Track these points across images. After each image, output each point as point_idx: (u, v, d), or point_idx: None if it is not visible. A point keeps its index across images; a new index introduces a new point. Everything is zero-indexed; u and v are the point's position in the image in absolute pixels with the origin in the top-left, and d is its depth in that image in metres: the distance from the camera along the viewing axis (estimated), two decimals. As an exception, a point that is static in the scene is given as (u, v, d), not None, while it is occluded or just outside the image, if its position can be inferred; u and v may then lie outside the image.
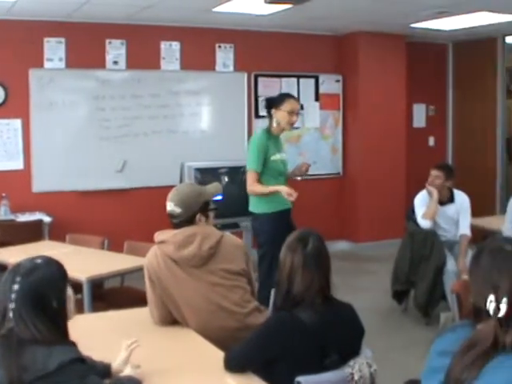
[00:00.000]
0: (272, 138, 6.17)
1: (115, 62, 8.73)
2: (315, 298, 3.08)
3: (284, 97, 6.34)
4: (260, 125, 9.46)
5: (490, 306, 2.19)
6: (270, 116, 6.23)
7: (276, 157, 6.13)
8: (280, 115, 6.14)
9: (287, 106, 6.16)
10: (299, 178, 6.55)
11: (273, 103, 6.22)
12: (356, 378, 2.96)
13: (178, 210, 3.80)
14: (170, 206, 3.85)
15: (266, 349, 3.05)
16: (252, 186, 6.04)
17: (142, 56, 8.88)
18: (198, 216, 3.84)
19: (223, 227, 6.70)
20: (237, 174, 8.75)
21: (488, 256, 2.29)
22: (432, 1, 7.59)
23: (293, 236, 3.23)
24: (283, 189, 5.81)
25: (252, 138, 6.52)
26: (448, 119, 11.56)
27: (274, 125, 6.17)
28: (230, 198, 7.85)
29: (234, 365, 3.09)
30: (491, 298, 2.20)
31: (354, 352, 3.12)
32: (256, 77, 9.67)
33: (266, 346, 3.06)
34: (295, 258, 3.11)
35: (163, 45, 9.02)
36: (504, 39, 10.46)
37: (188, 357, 3.36)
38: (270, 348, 3.04)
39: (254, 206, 6.18)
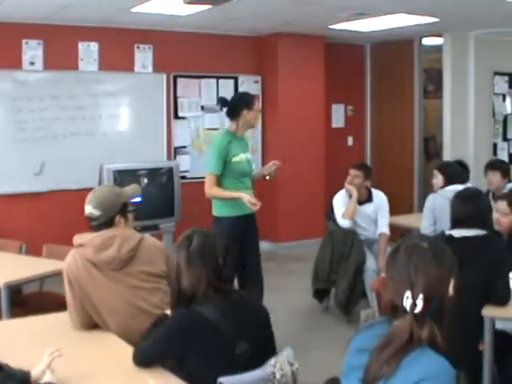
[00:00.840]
0: (236, 138, 6.00)
1: (32, 63, 8.55)
2: (207, 291, 3.13)
3: (252, 96, 6.21)
4: (180, 125, 9.49)
5: (407, 303, 2.24)
6: (236, 117, 6.02)
7: (240, 157, 5.95)
8: (252, 115, 6.01)
9: (256, 104, 6.10)
10: (268, 178, 6.35)
11: (245, 105, 6.02)
12: (278, 376, 2.98)
13: (96, 213, 3.77)
14: (89, 209, 3.80)
15: (170, 345, 3.09)
16: (210, 189, 5.87)
17: (60, 57, 8.73)
18: (117, 218, 3.81)
19: (143, 229, 6.65)
20: (156, 175, 8.74)
21: (404, 253, 2.34)
22: (350, 2, 7.67)
23: (182, 235, 3.32)
24: (245, 197, 5.67)
25: (213, 140, 6.37)
26: (366, 119, 11.73)
27: (243, 125, 6.03)
28: (149, 200, 7.83)
29: (141, 360, 3.16)
30: (408, 294, 2.25)
31: (265, 336, 3.21)
32: (175, 78, 9.63)
33: (170, 343, 3.09)
34: (180, 257, 3.19)
35: (81, 45, 8.88)
36: (421, 40, 10.68)
37: (109, 361, 3.32)
38: (174, 344, 3.07)
39: (218, 210, 6.00)
